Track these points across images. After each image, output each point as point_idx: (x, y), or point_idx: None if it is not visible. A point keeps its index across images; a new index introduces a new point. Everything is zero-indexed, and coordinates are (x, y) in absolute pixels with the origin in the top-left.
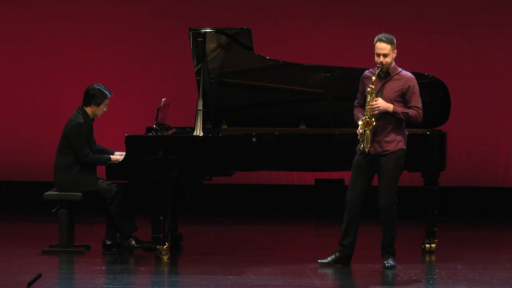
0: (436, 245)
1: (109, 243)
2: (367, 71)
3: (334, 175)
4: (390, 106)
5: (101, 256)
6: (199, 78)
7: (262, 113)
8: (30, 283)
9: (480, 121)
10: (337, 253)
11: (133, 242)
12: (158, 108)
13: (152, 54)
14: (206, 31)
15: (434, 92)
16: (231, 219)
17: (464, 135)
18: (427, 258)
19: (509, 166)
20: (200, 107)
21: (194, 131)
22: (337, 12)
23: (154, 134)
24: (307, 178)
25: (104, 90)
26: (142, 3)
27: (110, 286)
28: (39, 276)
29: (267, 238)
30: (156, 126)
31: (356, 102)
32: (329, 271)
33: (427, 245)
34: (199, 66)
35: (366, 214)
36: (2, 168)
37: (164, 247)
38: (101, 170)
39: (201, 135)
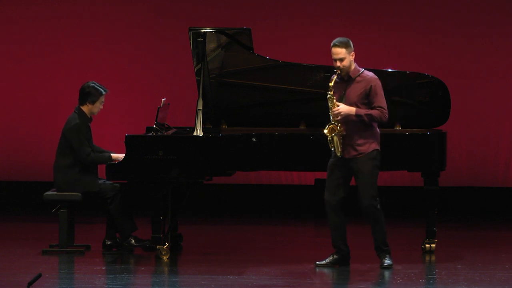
0: (436, 245)
1: (109, 243)
2: (332, 76)
3: None
4: (352, 110)
5: (101, 256)
6: (199, 78)
7: (262, 113)
8: (30, 283)
9: (480, 121)
10: (334, 255)
11: (133, 241)
12: (158, 108)
13: (152, 54)
14: (206, 31)
15: (434, 92)
16: (231, 219)
17: (464, 135)
18: (427, 258)
19: (509, 166)
20: (200, 107)
21: (194, 131)
22: (337, 12)
23: (154, 134)
24: (307, 178)
25: (99, 88)
26: (142, 3)
27: (110, 286)
28: (39, 276)
29: (267, 238)
30: (156, 126)
31: None
32: (328, 271)
33: (427, 245)
34: (199, 66)
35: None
36: (2, 168)
37: (164, 247)
38: (101, 170)
39: (201, 135)
